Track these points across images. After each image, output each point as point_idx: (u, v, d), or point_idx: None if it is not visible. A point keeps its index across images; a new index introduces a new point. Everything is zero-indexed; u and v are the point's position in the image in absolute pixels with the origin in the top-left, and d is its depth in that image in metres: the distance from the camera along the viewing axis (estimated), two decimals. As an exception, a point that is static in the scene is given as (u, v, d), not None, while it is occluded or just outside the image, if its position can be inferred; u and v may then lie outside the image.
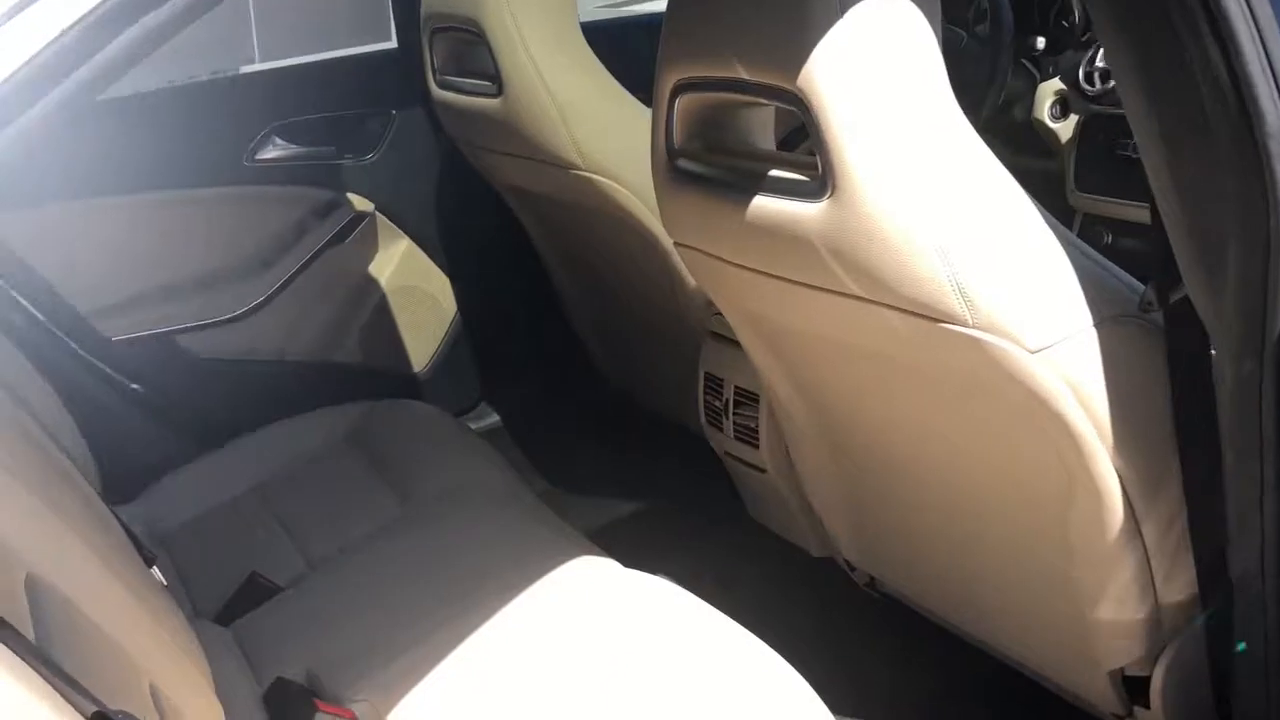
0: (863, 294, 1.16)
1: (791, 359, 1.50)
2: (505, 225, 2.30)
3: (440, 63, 2.01)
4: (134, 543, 1.61)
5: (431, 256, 2.38)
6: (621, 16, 3.13)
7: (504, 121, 1.84)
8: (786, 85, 1.11)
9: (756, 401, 1.76)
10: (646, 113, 1.80)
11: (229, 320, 2.20)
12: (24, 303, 2.03)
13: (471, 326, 2.45)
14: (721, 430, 1.85)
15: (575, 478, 2.32)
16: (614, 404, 2.40)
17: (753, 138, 1.35)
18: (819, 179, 1.13)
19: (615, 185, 1.80)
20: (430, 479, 1.84)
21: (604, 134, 1.78)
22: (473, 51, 1.93)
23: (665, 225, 1.43)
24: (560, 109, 1.76)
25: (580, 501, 2.23)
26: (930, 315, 1.11)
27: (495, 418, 2.53)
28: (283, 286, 2.22)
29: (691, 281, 1.86)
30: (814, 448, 1.64)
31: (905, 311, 1.13)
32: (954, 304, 1.09)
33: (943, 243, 1.08)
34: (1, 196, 1.99)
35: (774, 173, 1.20)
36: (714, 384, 1.85)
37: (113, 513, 1.57)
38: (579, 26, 1.83)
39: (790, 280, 1.25)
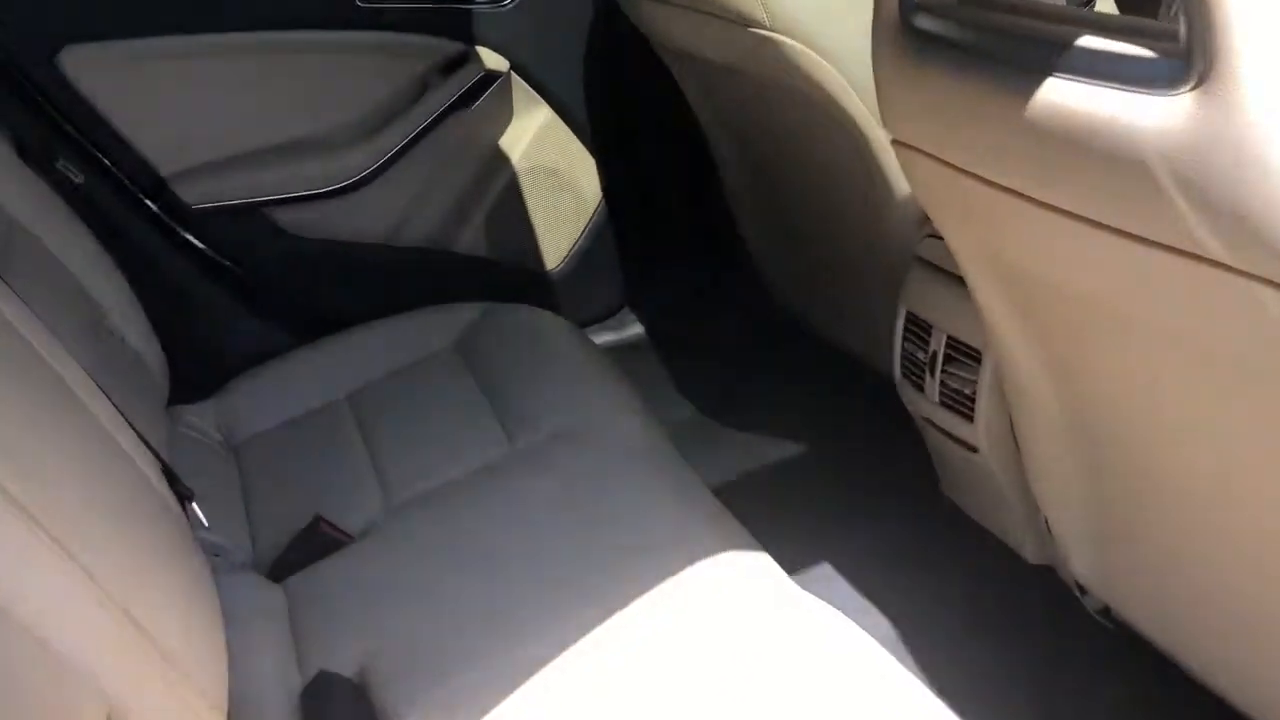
0: (1224, 257, 0.70)
1: (1046, 324, 1.05)
2: (667, 100, 1.87)
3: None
4: (168, 477, 1.29)
5: (575, 131, 1.96)
6: None
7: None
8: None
9: (977, 360, 1.31)
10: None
11: (329, 193, 1.84)
12: (95, 152, 1.71)
13: (617, 218, 2.04)
14: (922, 390, 1.41)
15: (724, 411, 1.92)
16: (781, 325, 1.97)
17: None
18: (1179, 55, 0.67)
19: (808, 51, 1.34)
20: (544, 414, 1.47)
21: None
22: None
23: (883, 113, 0.98)
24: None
25: (727, 444, 1.82)
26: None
27: (638, 329, 2.13)
28: (395, 157, 1.85)
29: (901, 188, 1.40)
30: (1051, 437, 1.19)
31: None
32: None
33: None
34: (69, 26, 1.66)
35: (1089, 42, 0.74)
36: (918, 328, 1.40)
37: (144, 442, 1.25)
38: None
39: (1087, 220, 0.79)
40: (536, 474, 1.38)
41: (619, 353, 2.08)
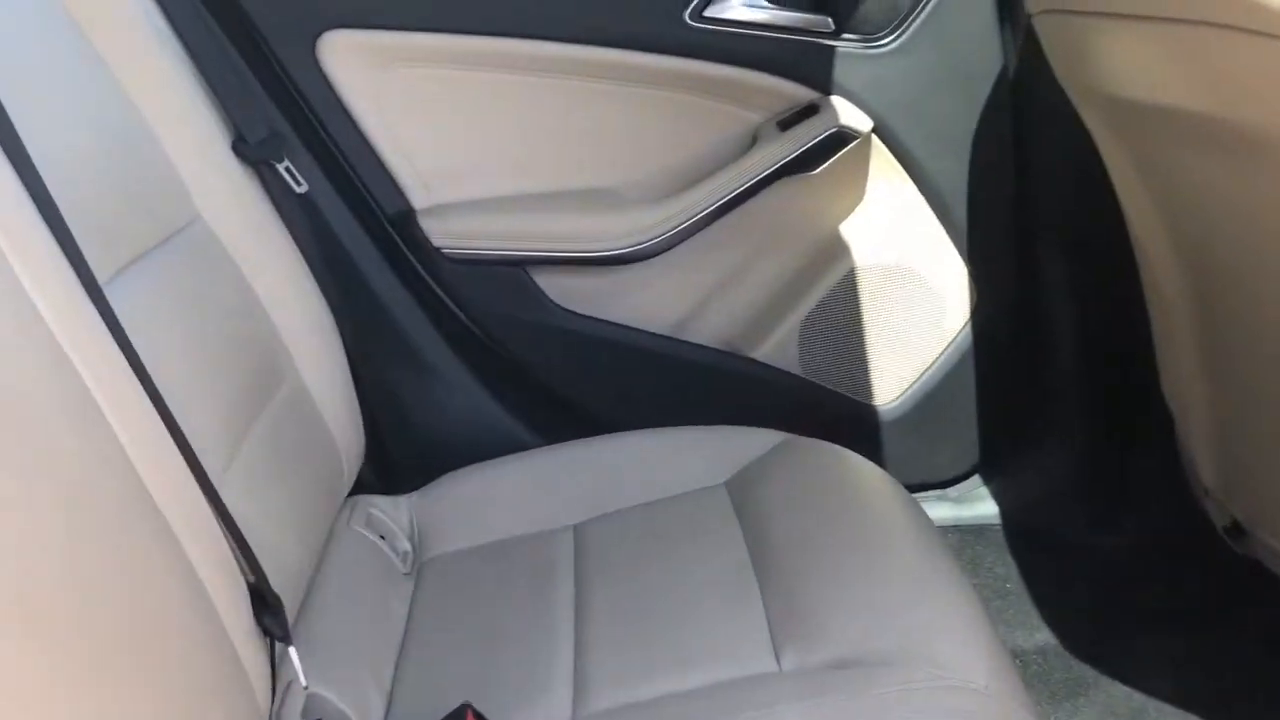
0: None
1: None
2: (1085, 194, 1.31)
3: None
4: (255, 599, 0.87)
5: (947, 225, 1.44)
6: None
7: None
8: None
9: None
10: None
11: (609, 259, 1.41)
12: (338, 157, 1.38)
13: (986, 352, 1.49)
14: None
15: (1103, 656, 1.30)
16: (1216, 548, 1.33)
17: None
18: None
19: None
20: (836, 620, 0.96)
21: None
22: None
23: None
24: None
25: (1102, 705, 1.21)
26: None
27: (989, 509, 1.55)
28: (699, 225, 1.40)
29: None
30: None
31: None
32: None
33: None
34: (337, 5, 1.35)
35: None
36: None
37: (248, 566, 0.85)
38: None
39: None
40: (805, 714, 0.85)
41: (959, 536, 1.51)
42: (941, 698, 0.86)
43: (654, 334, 1.46)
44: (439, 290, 1.43)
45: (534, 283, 1.43)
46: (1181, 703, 1.28)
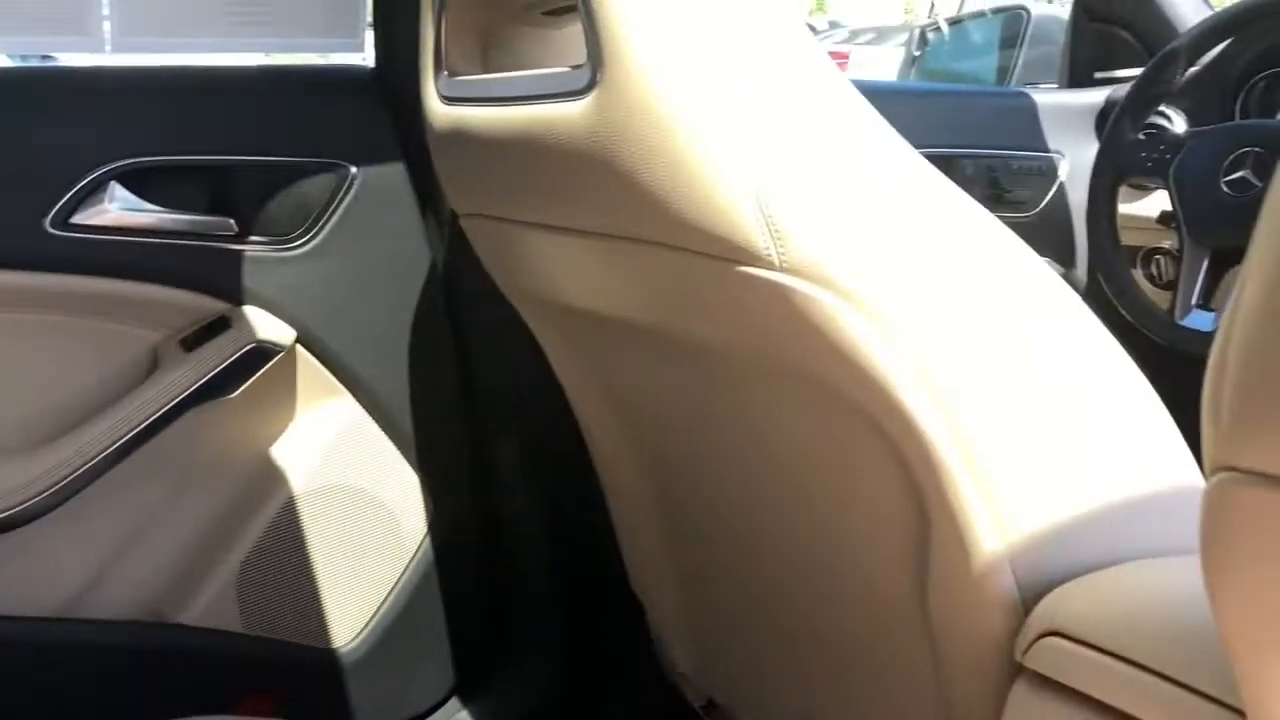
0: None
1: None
2: (531, 389, 1.25)
3: (454, 56, 0.99)
4: None
5: (392, 435, 1.31)
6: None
7: (589, 151, 0.80)
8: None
9: None
10: (940, 184, 0.82)
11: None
12: None
13: (449, 566, 1.37)
14: None
15: None
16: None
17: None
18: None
19: (845, 308, 0.75)
20: None
21: (833, 206, 0.75)
22: (532, 31, 0.94)
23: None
24: (739, 134, 0.73)
25: None
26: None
27: (473, 735, 1.41)
28: (93, 473, 1.15)
29: (988, 543, 0.80)
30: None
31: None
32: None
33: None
34: None
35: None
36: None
37: None
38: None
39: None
40: None
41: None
42: None
43: (40, 618, 1.16)
44: None
45: None
46: None
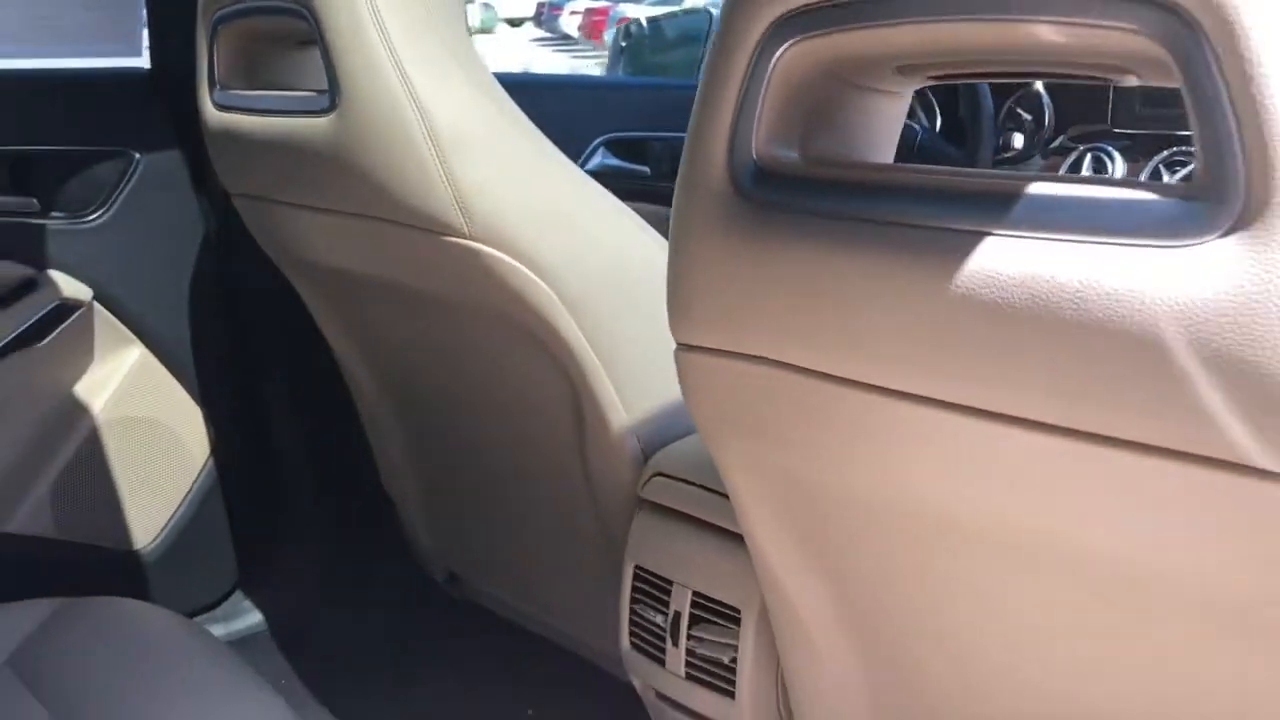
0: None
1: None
2: (293, 332, 1.57)
3: (225, 71, 1.29)
4: None
5: (176, 374, 1.59)
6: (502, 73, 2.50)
7: (333, 154, 1.13)
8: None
9: (735, 621, 1.09)
10: (568, 165, 1.18)
11: None
12: None
13: (229, 481, 1.67)
14: (662, 662, 1.16)
15: (374, 713, 1.55)
16: (441, 603, 1.66)
17: (869, 148, 0.73)
18: (1201, 194, 0.51)
19: (512, 263, 1.12)
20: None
21: (502, 185, 1.11)
22: (290, 56, 1.24)
23: (685, 310, 0.77)
24: (434, 138, 1.08)
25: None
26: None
27: (257, 617, 1.72)
28: (-76, 409, 1.39)
29: (618, 419, 1.20)
30: (839, 688, 0.99)
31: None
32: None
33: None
34: None
35: (1053, 191, 0.57)
36: (652, 586, 1.17)
37: None
38: (467, 29, 1.17)
39: (1027, 422, 0.60)
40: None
41: (236, 648, 1.65)
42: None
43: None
44: None
45: None
46: None
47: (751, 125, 0.67)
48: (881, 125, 0.72)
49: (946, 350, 0.61)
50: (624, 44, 2.89)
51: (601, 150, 1.99)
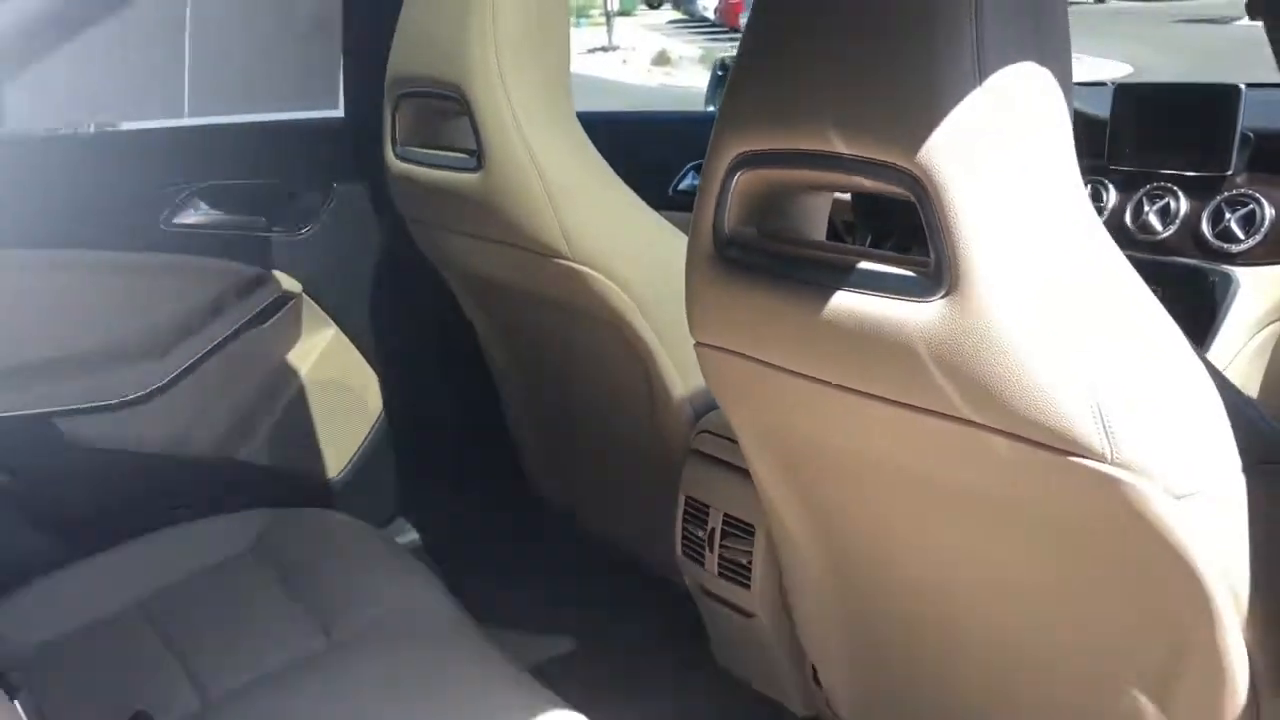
0: (969, 415, 0.97)
1: (813, 485, 1.31)
2: (448, 322, 2.07)
3: (404, 133, 1.80)
4: None
5: (360, 349, 2.12)
6: (613, 112, 3.00)
7: (481, 200, 1.63)
8: (901, 162, 0.93)
9: (750, 534, 1.55)
10: (641, 205, 1.63)
11: (121, 405, 1.89)
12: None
13: (396, 430, 2.19)
14: (702, 564, 1.63)
15: (510, 611, 2.06)
16: (554, 528, 2.16)
17: (807, 227, 1.17)
18: (931, 274, 0.95)
19: (603, 279, 1.59)
20: (357, 605, 1.56)
21: (595, 223, 1.59)
22: (449, 122, 1.73)
23: (694, 321, 1.23)
24: (549, 190, 1.57)
25: (517, 639, 1.95)
26: (1057, 447, 0.93)
27: (413, 535, 2.25)
28: (187, 370, 1.94)
29: (678, 392, 1.66)
30: (818, 585, 1.43)
31: (1023, 440, 0.95)
32: (1094, 436, 0.91)
33: (1088, 363, 0.91)
34: None
35: (865, 266, 1.02)
36: (697, 510, 1.63)
37: None
38: (573, 106, 1.65)
39: (865, 394, 1.05)
40: (359, 663, 1.46)
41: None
42: (423, 632, 1.54)
43: (157, 453, 1.95)
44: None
45: (57, 430, 1.86)
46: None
47: (724, 213, 1.13)
48: (811, 210, 1.17)
49: (825, 351, 1.06)
50: (720, 74, 3.32)
51: (691, 173, 2.44)
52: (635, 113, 2.75)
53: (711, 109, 3.57)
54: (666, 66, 16.30)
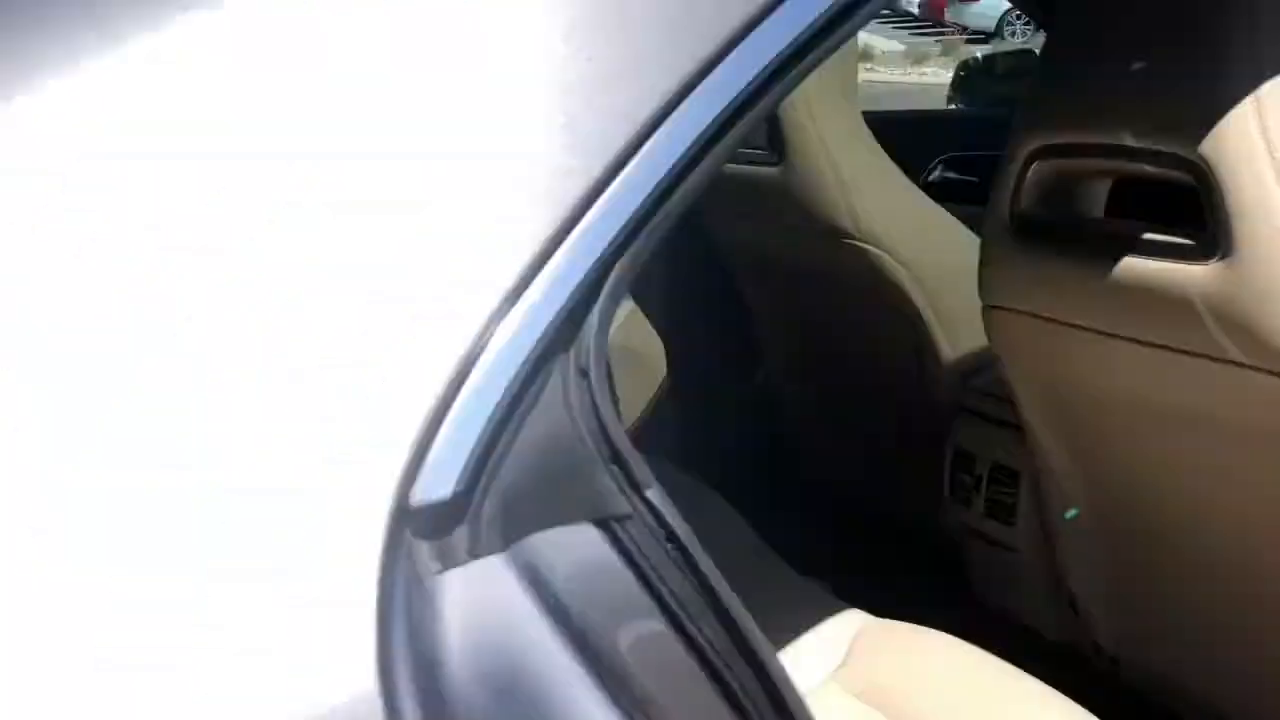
0: (1238, 358, 1.19)
1: (1080, 427, 1.53)
2: (725, 297, 2.37)
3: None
4: None
5: (651, 320, 2.44)
6: (880, 110, 3.25)
7: (779, 190, 1.91)
8: (1185, 153, 1.16)
9: (1015, 479, 1.78)
10: (918, 192, 1.88)
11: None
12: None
13: (679, 390, 2.50)
14: (968, 506, 1.86)
15: (762, 552, 2.33)
16: (811, 490, 2.42)
17: (1088, 205, 1.41)
18: (1208, 241, 1.17)
19: (886, 256, 1.85)
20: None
21: (880, 208, 1.85)
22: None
23: (987, 288, 1.47)
24: (840, 178, 1.83)
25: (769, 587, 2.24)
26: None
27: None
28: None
29: (947, 357, 1.90)
30: (1080, 524, 1.65)
31: None
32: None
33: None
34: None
35: (1147, 236, 1.25)
36: (965, 460, 1.87)
37: None
38: (857, 102, 1.91)
39: (1143, 341, 1.28)
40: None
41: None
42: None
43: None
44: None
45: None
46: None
47: (1021, 194, 1.37)
48: (1092, 190, 1.40)
49: (1110, 306, 1.29)
50: (963, 74, 3.53)
51: (941, 165, 2.67)
52: (902, 112, 2.99)
53: (954, 107, 3.81)
54: (923, 66, 16.55)
